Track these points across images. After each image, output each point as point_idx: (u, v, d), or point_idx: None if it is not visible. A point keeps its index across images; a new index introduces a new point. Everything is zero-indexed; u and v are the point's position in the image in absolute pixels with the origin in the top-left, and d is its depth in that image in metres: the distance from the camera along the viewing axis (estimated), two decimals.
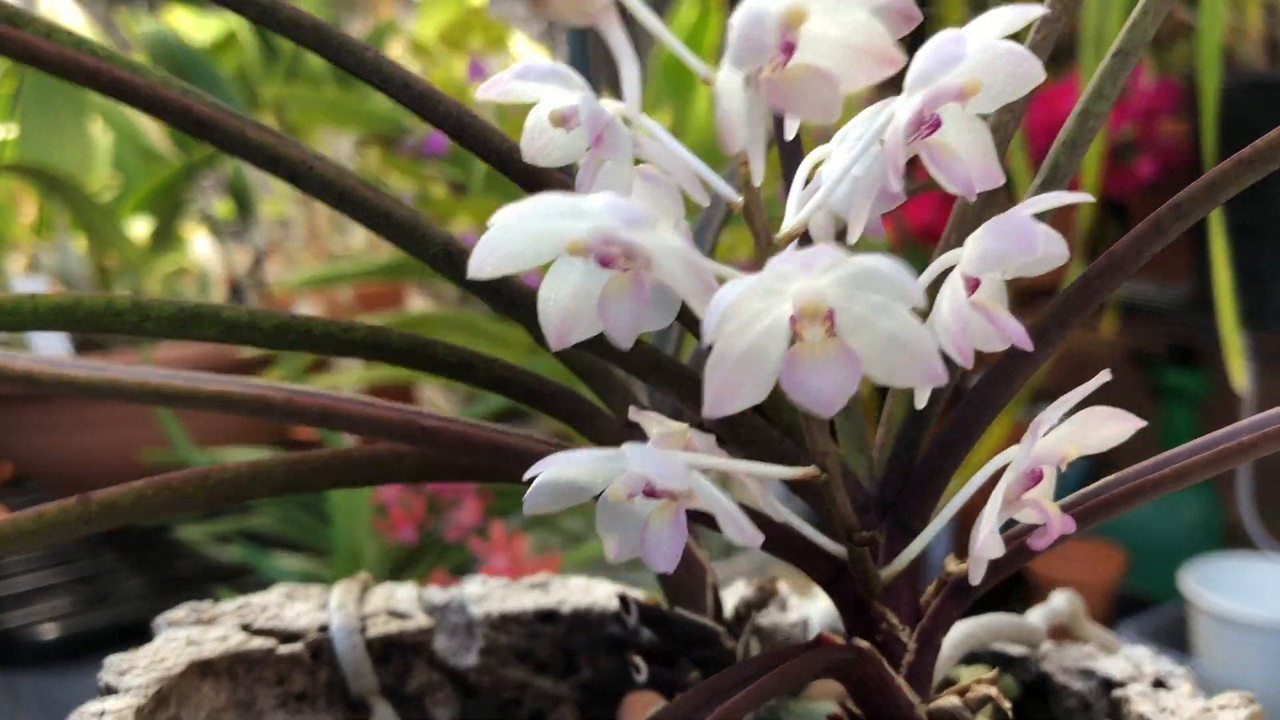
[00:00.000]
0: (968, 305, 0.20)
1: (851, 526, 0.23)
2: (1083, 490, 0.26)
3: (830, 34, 0.18)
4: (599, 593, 0.39)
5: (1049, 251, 0.21)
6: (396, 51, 1.42)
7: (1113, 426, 0.23)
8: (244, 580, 1.06)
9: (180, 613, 0.37)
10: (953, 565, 0.24)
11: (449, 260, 0.24)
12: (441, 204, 0.94)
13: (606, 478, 0.20)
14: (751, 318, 0.18)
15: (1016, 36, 0.21)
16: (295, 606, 0.38)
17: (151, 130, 1.28)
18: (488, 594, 0.40)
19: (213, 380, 0.23)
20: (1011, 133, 0.27)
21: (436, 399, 1.29)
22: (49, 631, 1.01)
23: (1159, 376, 1.26)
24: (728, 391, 0.18)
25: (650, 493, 0.20)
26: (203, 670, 0.34)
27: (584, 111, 0.20)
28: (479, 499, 0.83)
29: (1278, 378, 1.21)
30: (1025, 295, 1.30)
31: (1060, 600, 0.39)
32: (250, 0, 0.24)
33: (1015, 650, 0.35)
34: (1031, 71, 0.20)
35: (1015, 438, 0.24)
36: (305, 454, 0.27)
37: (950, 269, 0.21)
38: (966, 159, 0.20)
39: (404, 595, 0.39)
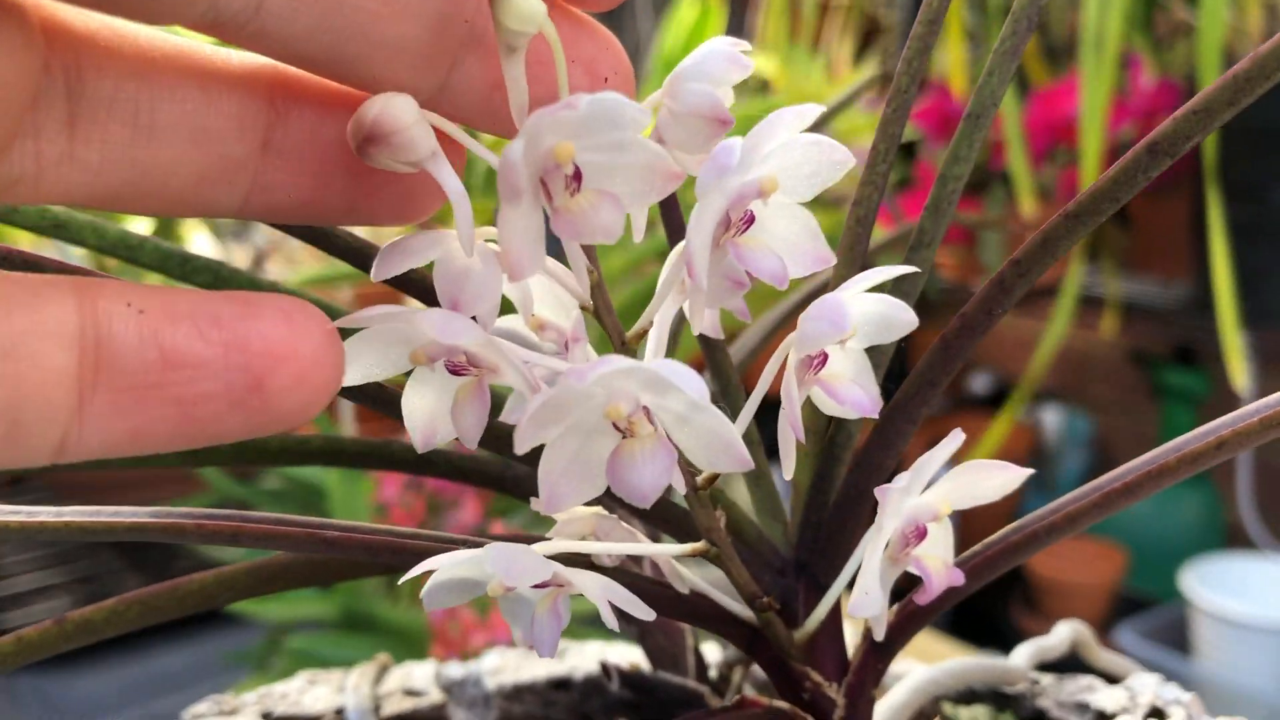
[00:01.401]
0: (795, 386, 0.21)
1: (753, 593, 0.24)
2: (984, 540, 0.26)
3: (610, 161, 0.20)
4: (607, 651, 0.40)
5: (898, 319, 0.22)
6: None
7: (997, 477, 0.23)
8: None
9: (203, 706, 0.39)
10: (854, 619, 0.25)
11: (360, 258, 0.26)
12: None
13: (488, 572, 0.21)
14: (578, 420, 0.19)
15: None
16: (314, 692, 0.40)
17: None
18: (503, 666, 0.42)
19: (127, 514, 0.24)
20: (877, 204, 0.27)
21: None
22: None
23: (1160, 376, 1.26)
24: (563, 489, 0.20)
25: (540, 584, 0.21)
26: None
27: (438, 275, 0.21)
28: (479, 499, 0.83)
29: (1278, 377, 1.21)
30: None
31: (1057, 635, 0.39)
32: None
33: (1012, 688, 0.36)
34: (840, 158, 0.21)
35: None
36: (260, 562, 0.29)
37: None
38: (793, 246, 0.22)
39: (420, 674, 0.41)
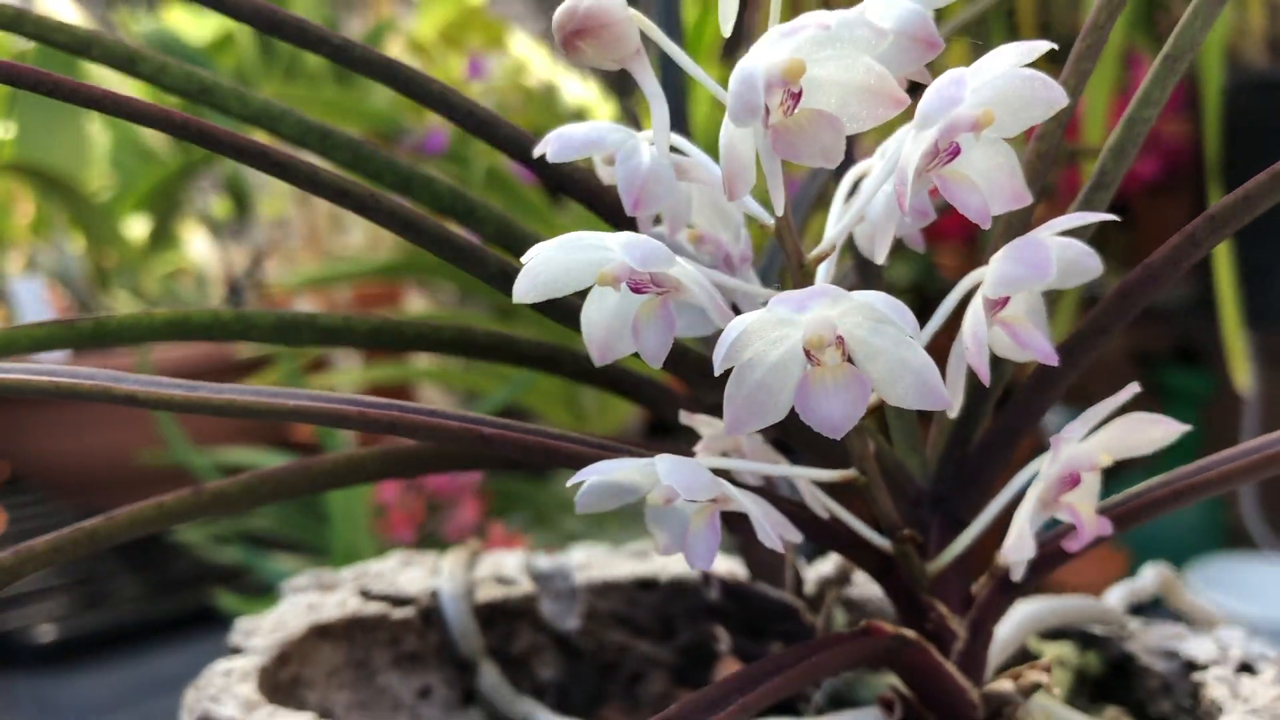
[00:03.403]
0: (985, 326, 0.21)
1: (894, 525, 0.24)
2: (1125, 492, 0.26)
3: (836, 78, 0.19)
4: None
5: (1085, 266, 0.22)
6: (395, 50, 1.42)
7: (1155, 431, 0.24)
8: (242, 581, 1.05)
9: (303, 580, 0.40)
10: (1003, 558, 0.25)
11: (505, 280, 0.26)
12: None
13: (649, 482, 0.21)
14: (768, 345, 0.19)
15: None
16: (409, 573, 0.40)
17: (149, 130, 1.28)
18: (590, 562, 0.42)
19: (289, 395, 0.24)
20: (1060, 139, 0.27)
21: (435, 398, 1.28)
22: (46, 633, 1.01)
23: (1162, 377, 1.25)
24: (746, 414, 0.20)
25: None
26: (322, 633, 0.37)
27: (622, 172, 0.21)
28: (477, 499, 0.83)
29: None
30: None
31: (1147, 578, 0.38)
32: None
33: (1100, 629, 0.36)
34: (1053, 96, 0.21)
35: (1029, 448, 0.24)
36: (391, 449, 0.29)
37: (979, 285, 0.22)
38: (991, 182, 0.21)
39: (511, 563, 0.41)
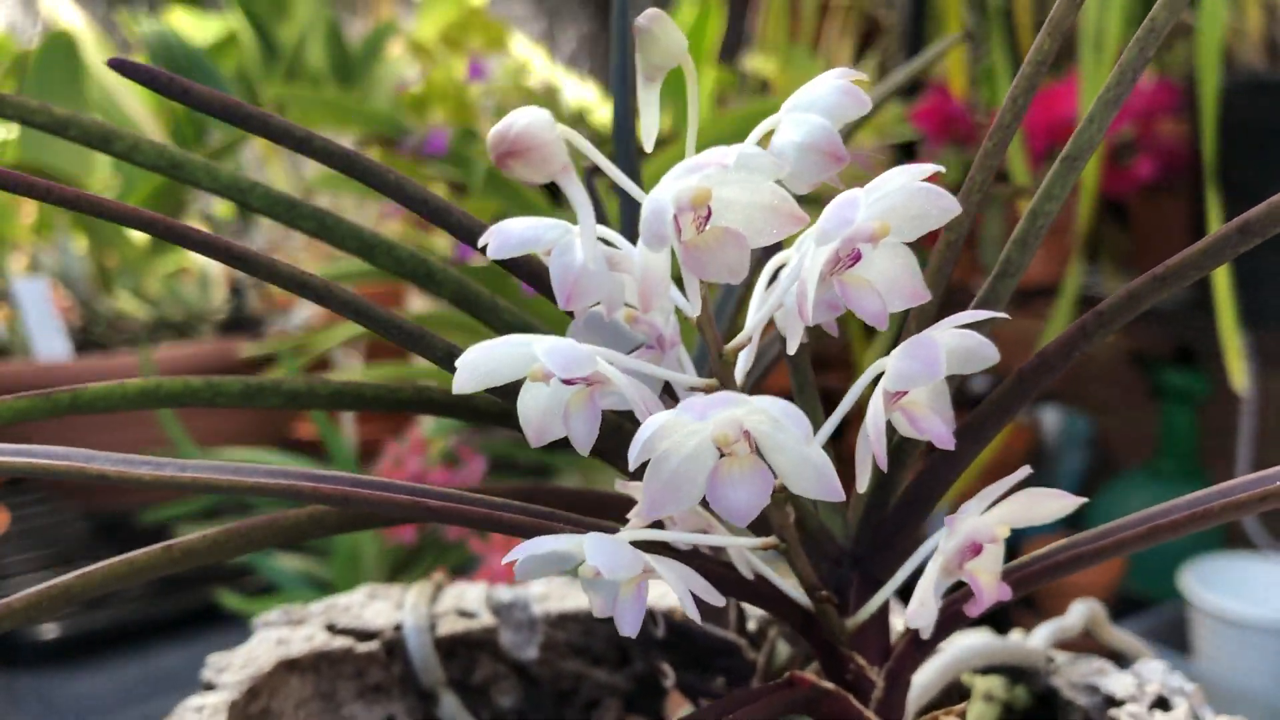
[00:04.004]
0: (883, 418, 0.23)
1: (813, 586, 0.26)
2: (1031, 554, 0.28)
3: (742, 199, 0.22)
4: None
5: (982, 355, 0.24)
6: (396, 51, 1.42)
7: (1052, 504, 0.25)
8: (244, 581, 1.06)
9: (274, 615, 0.41)
10: (907, 622, 0.27)
11: (451, 361, 0.28)
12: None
13: (580, 555, 0.23)
14: (683, 437, 0.21)
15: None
16: (375, 606, 0.42)
17: (152, 130, 1.28)
18: (549, 594, 0.44)
19: (250, 472, 0.26)
20: (966, 230, 0.29)
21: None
22: (49, 632, 1.02)
23: (1159, 377, 1.26)
24: (664, 499, 0.22)
25: None
26: (290, 666, 0.38)
27: (555, 268, 0.23)
28: None
29: (1278, 378, 1.21)
30: (1022, 295, 1.30)
31: (1073, 616, 0.40)
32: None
33: (1040, 664, 0.37)
34: (945, 206, 0.23)
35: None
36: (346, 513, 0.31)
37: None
38: (891, 282, 0.23)
39: (473, 596, 0.43)
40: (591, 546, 0.22)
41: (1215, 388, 1.20)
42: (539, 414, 0.24)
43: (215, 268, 1.34)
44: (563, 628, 0.43)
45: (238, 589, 0.96)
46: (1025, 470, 0.25)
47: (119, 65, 0.27)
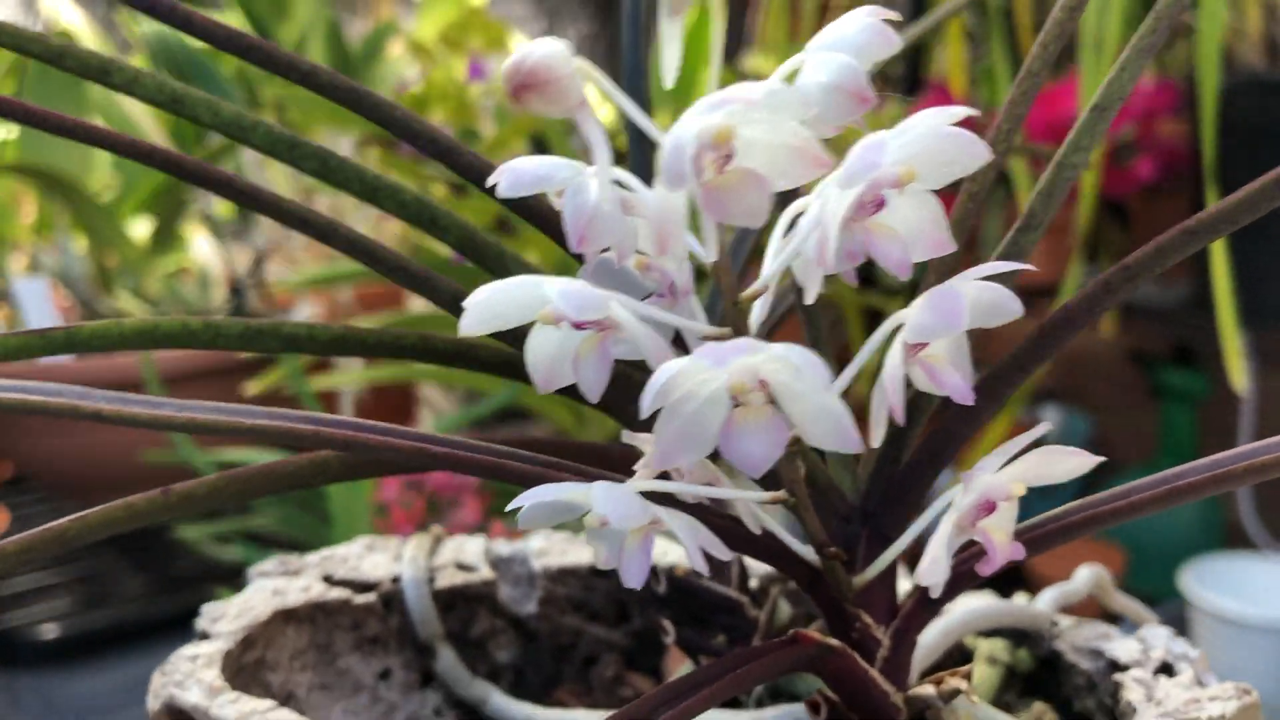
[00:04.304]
0: (901, 371, 0.22)
1: (822, 542, 0.26)
2: (1042, 515, 0.28)
3: (766, 139, 0.21)
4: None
5: (1006, 308, 0.23)
6: (396, 52, 1.42)
7: (1069, 462, 0.25)
8: (244, 580, 1.06)
9: (269, 564, 0.41)
10: (916, 579, 0.27)
11: (457, 305, 0.27)
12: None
13: (588, 504, 0.23)
14: (696, 385, 0.21)
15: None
16: (373, 558, 0.41)
17: (152, 130, 1.28)
18: (549, 549, 0.43)
19: (248, 414, 0.25)
20: (990, 181, 0.29)
21: (436, 397, 1.29)
22: (49, 631, 1.02)
23: (1159, 376, 1.26)
24: (676, 448, 0.21)
25: None
26: (286, 617, 0.38)
27: (568, 209, 0.22)
28: (479, 498, 0.83)
29: (1277, 378, 1.21)
30: (1023, 295, 1.30)
31: (1078, 580, 0.40)
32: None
33: (1044, 628, 0.37)
34: (975, 152, 0.22)
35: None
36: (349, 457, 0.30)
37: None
38: (915, 231, 0.22)
39: (472, 548, 0.43)
40: (600, 495, 0.22)
41: (1215, 387, 1.21)
42: (547, 360, 0.23)
43: (215, 268, 1.34)
44: (562, 583, 0.42)
45: (237, 588, 0.96)
46: (1045, 426, 0.24)
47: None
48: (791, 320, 0.32)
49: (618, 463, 0.27)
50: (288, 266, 1.48)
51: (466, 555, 0.42)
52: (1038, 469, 0.25)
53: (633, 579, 0.23)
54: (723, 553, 0.24)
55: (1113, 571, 1.22)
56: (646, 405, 0.20)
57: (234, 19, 1.31)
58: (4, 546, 0.25)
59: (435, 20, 1.31)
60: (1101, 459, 0.25)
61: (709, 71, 1.23)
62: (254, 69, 1.33)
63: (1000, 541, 0.24)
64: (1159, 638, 0.35)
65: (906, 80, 1.43)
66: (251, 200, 0.26)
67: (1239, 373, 0.88)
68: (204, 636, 0.36)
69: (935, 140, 0.22)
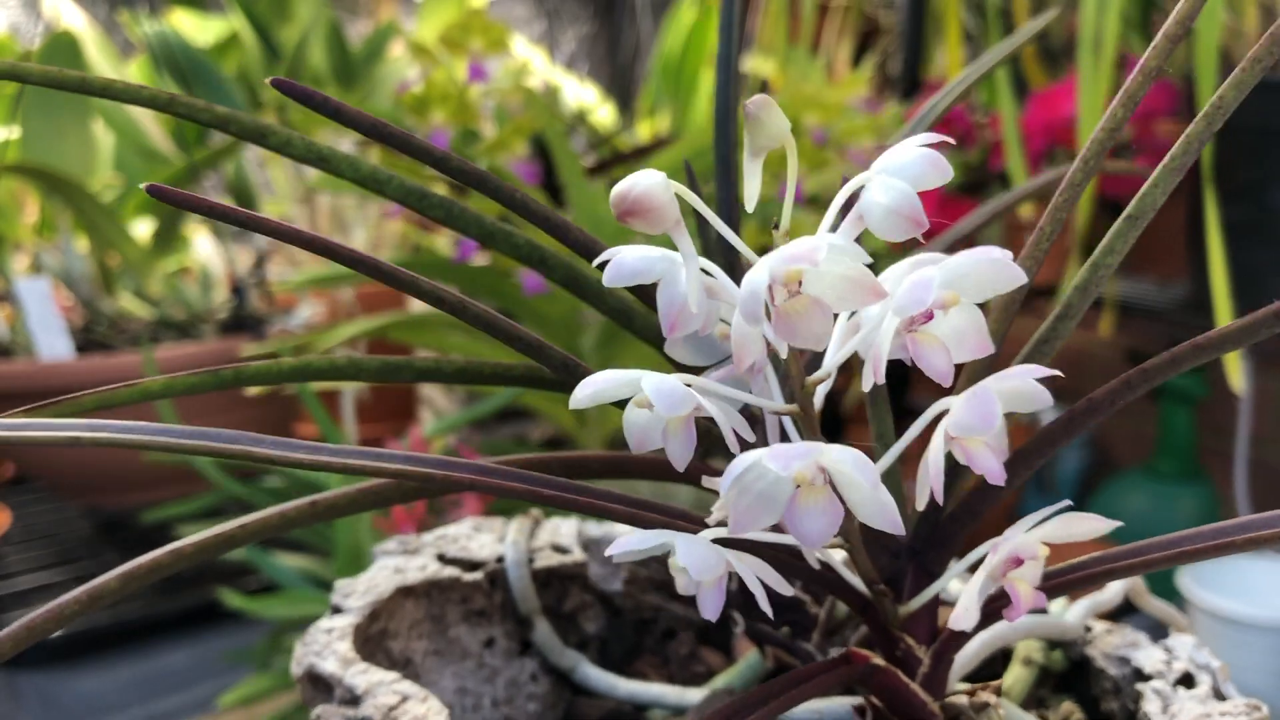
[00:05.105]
0: (942, 456, 0.26)
1: (872, 579, 0.30)
2: (1068, 562, 0.32)
3: (832, 270, 0.25)
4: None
5: (1037, 399, 0.27)
6: (397, 52, 1.42)
7: (1088, 525, 0.28)
8: (246, 580, 1.06)
9: (391, 544, 0.46)
10: (951, 623, 0.30)
11: (566, 369, 0.32)
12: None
13: (670, 548, 0.27)
14: (765, 470, 0.25)
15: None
16: (479, 539, 0.47)
17: (153, 131, 1.28)
18: (634, 532, 0.47)
19: (389, 458, 0.28)
20: (1034, 274, 0.32)
21: (436, 397, 1.29)
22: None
23: None
24: (747, 520, 0.26)
25: None
26: (406, 592, 0.43)
27: (662, 299, 0.27)
28: (480, 499, 0.83)
29: (1275, 378, 1.22)
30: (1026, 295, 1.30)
31: (1110, 592, 0.43)
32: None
33: (1076, 635, 0.41)
34: (1013, 275, 0.26)
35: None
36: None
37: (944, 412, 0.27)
38: (960, 336, 0.26)
39: (566, 531, 0.48)
40: (682, 549, 0.26)
41: (1213, 387, 1.21)
42: (640, 431, 0.27)
43: (217, 267, 1.34)
44: (645, 565, 0.47)
45: (239, 588, 0.97)
46: (1065, 503, 0.28)
47: (281, 85, 0.30)
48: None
49: (666, 469, 0.30)
50: (289, 266, 1.48)
51: (561, 538, 0.47)
52: (1060, 530, 0.28)
53: (709, 613, 0.27)
54: (785, 588, 0.28)
55: None
56: (725, 488, 0.25)
57: (235, 20, 1.31)
58: (181, 549, 0.28)
59: (436, 21, 1.31)
60: (1117, 524, 0.28)
61: (703, 79, 1.23)
62: (255, 71, 1.33)
63: (1025, 593, 0.28)
64: (1184, 648, 0.37)
65: (905, 80, 1.43)
66: (388, 277, 0.30)
67: (1237, 373, 0.89)
68: (336, 610, 0.41)
69: (976, 268, 0.25)
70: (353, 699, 0.36)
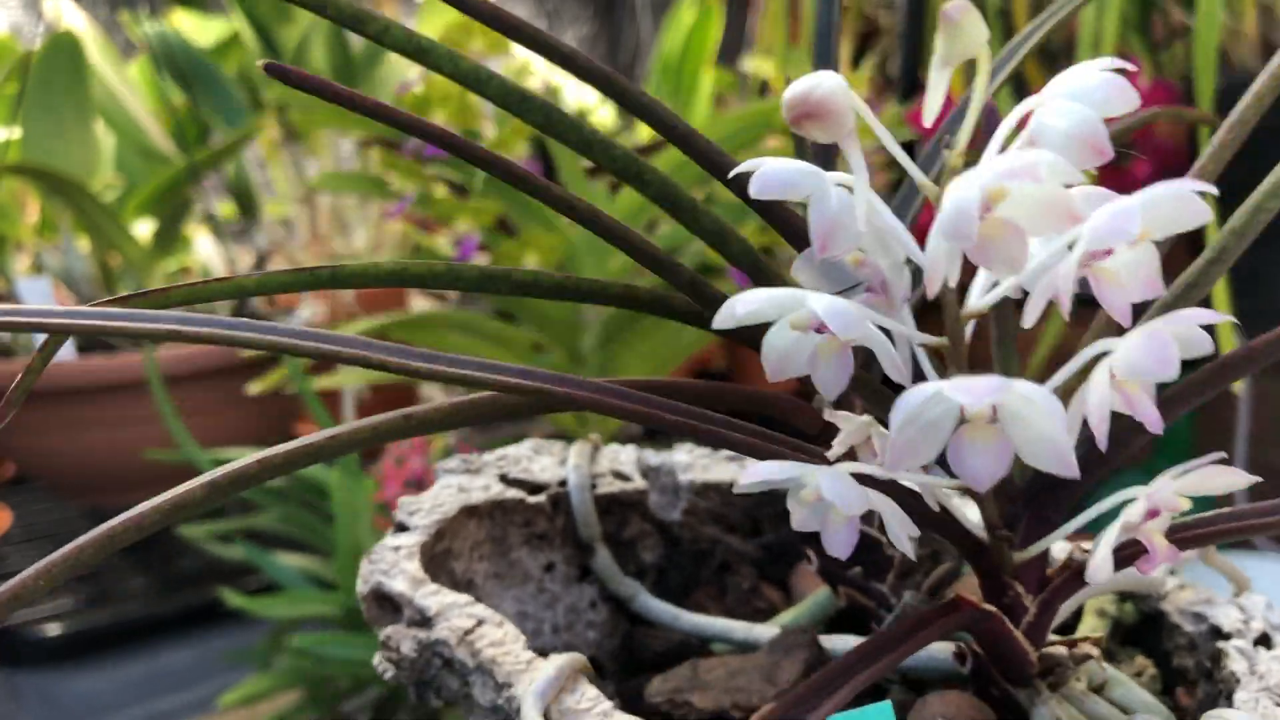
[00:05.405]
0: (1109, 397, 0.24)
1: (993, 524, 0.30)
2: (1196, 517, 0.31)
3: (1028, 193, 0.23)
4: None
5: (1199, 344, 0.26)
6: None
7: (1225, 478, 0.28)
8: (247, 579, 1.06)
9: (453, 463, 0.45)
10: (1078, 554, 0.30)
11: (693, 288, 0.32)
12: (443, 205, 0.95)
13: (808, 482, 0.26)
14: (943, 401, 0.23)
15: None
16: (540, 460, 0.46)
17: (154, 131, 1.29)
18: (692, 463, 0.47)
19: (524, 374, 0.28)
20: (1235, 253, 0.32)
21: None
22: (52, 630, 1.02)
23: None
24: (906, 455, 0.24)
25: None
26: (470, 512, 0.42)
27: (814, 215, 0.25)
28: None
29: (1273, 379, 1.22)
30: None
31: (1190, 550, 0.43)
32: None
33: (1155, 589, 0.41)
34: (1200, 211, 0.24)
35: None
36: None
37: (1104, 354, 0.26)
38: (1134, 275, 0.25)
39: (626, 458, 0.48)
40: (827, 482, 0.25)
41: None
42: (779, 354, 0.26)
43: (218, 267, 1.34)
44: (704, 496, 0.47)
45: (240, 588, 0.97)
46: (1217, 455, 0.27)
47: (272, 70, 0.29)
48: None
49: (783, 410, 0.31)
50: (290, 266, 1.48)
51: (621, 465, 0.47)
52: (1198, 484, 0.27)
53: (840, 550, 0.26)
54: (912, 530, 0.27)
55: None
56: (895, 422, 0.23)
57: (236, 20, 1.32)
58: (270, 458, 0.27)
59: (436, 22, 1.31)
60: (1255, 479, 0.28)
61: (703, 79, 1.23)
62: (256, 72, 1.33)
63: (1161, 545, 0.27)
64: (1257, 607, 0.37)
65: (905, 81, 1.43)
66: (397, 122, 0.29)
67: None
68: (401, 528, 0.40)
69: (1169, 202, 0.24)
70: (424, 621, 0.34)
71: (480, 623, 0.34)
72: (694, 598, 0.46)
